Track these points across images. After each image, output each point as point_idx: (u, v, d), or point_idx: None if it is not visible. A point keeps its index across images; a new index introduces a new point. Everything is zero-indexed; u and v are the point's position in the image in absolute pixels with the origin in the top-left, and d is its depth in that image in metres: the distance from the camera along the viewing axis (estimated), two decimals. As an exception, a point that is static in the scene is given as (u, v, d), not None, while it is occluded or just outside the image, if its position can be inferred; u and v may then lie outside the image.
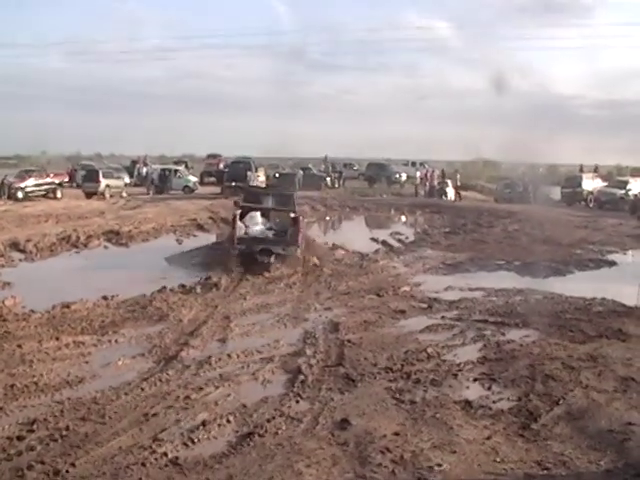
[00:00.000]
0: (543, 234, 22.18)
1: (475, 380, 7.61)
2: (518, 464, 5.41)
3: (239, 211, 16.55)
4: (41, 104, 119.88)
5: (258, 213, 16.79)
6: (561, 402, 6.80)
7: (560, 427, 6.22)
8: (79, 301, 10.53)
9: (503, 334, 9.59)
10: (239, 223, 15.92)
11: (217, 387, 7.07)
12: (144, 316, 10.13)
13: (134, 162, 43.42)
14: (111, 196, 32.35)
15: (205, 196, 33.73)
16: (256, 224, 16.41)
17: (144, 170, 39.95)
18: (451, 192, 37.58)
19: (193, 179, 39.34)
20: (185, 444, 5.63)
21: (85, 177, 34.41)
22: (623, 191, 34.65)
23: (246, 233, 15.91)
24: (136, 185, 38.60)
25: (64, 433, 5.76)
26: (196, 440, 5.72)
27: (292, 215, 16.43)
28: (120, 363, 7.85)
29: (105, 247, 18.07)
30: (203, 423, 6.05)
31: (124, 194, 33.81)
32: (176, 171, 39.09)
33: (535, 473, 5.29)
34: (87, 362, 7.91)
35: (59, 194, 31.19)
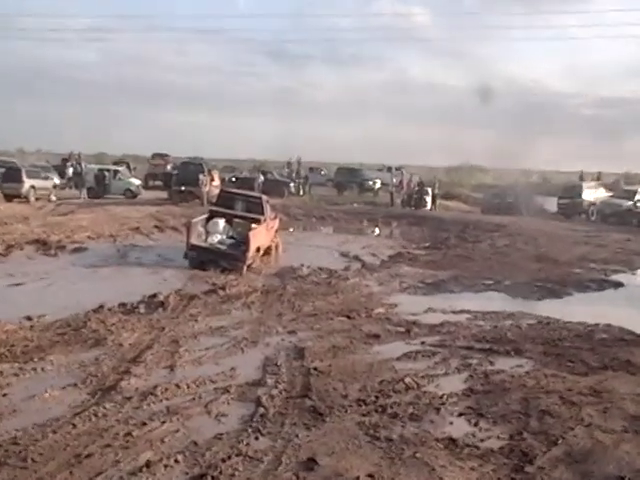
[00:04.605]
0: (537, 250, 22.56)
1: (460, 415, 7.63)
2: (510, 512, 5.44)
3: (196, 219, 17.86)
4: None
5: (222, 220, 17.73)
6: (560, 442, 6.82)
7: (559, 471, 6.24)
8: (-3, 323, 10.34)
9: (492, 363, 9.66)
10: (200, 229, 17.40)
11: (163, 422, 6.98)
12: (77, 340, 9.95)
13: (65, 160, 42.84)
14: (37, 199, 31.75)
15: (150, 201, 33.48)
16: (216, 232, 17.38)
17: (74, 169, 39.35)
18: (430, 201, 37.91)
19: (136, 182, 39.05)
20: (125, 489, 5.54)
21: (5, 176, 33.30)
22: (631, 202, 34.28)
23: (205, 240, 17.32)
24: (68, 187, 38.14)
25: (-23, 481, 5.62)
26: (138, 484, 5.64)
27: (252, 226, 17.63)
28: (47, 395, 7.67)
29: (29, 258, 17.76)
30: (147, 464, 5.94)
31: (53, 197, 33.29)
32: (116, 172, 38.77)
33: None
34: (6, 395, 7.68)
35: (-28, 197, 30.63)
